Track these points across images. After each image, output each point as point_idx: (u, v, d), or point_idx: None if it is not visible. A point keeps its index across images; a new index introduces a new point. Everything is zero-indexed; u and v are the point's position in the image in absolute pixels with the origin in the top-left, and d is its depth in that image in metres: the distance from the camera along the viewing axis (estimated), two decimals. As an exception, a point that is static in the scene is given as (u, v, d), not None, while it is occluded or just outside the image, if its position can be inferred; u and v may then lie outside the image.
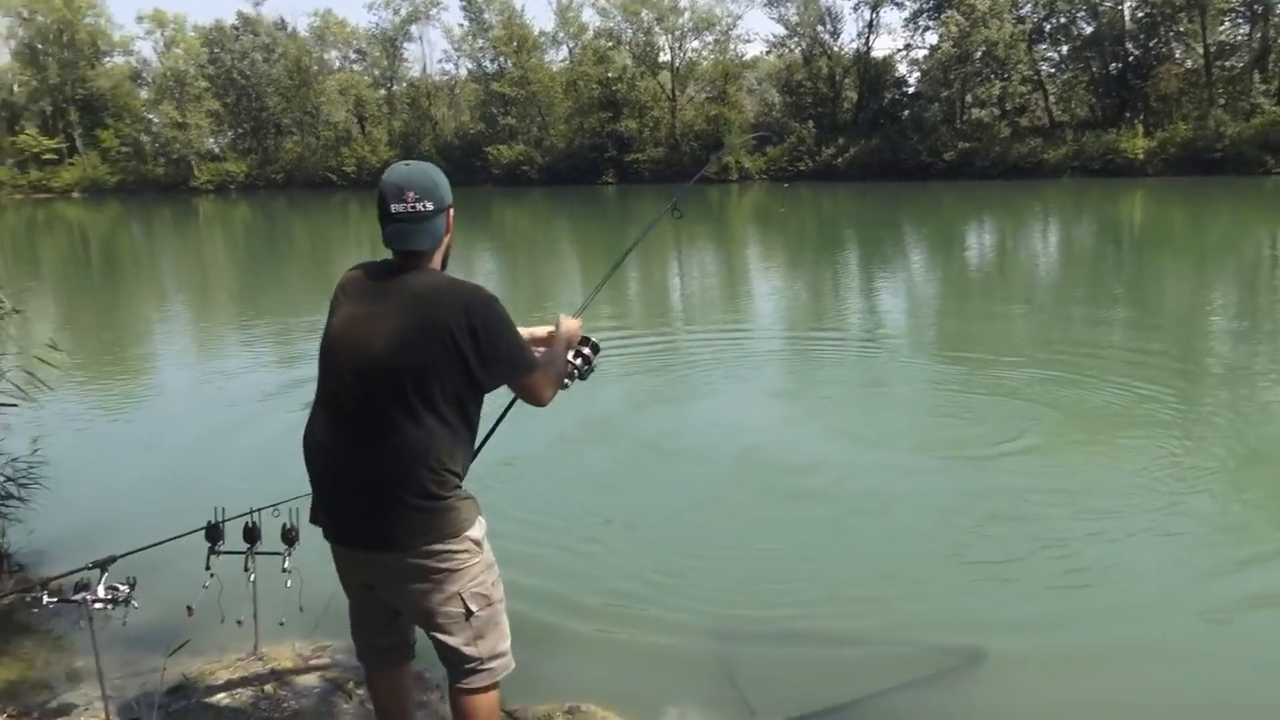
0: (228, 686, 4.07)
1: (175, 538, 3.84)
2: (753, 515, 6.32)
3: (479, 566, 2.82)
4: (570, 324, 3.19)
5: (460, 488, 2.78)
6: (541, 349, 3.07)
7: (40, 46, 71.00)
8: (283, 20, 72.93)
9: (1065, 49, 57.10)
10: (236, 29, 71.48)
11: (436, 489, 2.68)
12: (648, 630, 4.82)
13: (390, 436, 2.62)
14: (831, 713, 4.08)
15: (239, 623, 3.98)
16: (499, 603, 2.90)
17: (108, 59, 74.01)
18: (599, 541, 5.86)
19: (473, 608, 2.80)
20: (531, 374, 2.87)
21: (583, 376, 3.23)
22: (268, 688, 4.05)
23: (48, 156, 69.19)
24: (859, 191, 45.43)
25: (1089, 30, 55.13)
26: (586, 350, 3.24)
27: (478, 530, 2.82)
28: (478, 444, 2.93)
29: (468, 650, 2.82)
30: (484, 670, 2.85)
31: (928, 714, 4.19)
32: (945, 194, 42.07)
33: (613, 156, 59.26)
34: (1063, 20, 55.88)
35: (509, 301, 2.75)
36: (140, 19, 72.69)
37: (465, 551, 2.76)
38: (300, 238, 35.28)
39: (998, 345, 11.22)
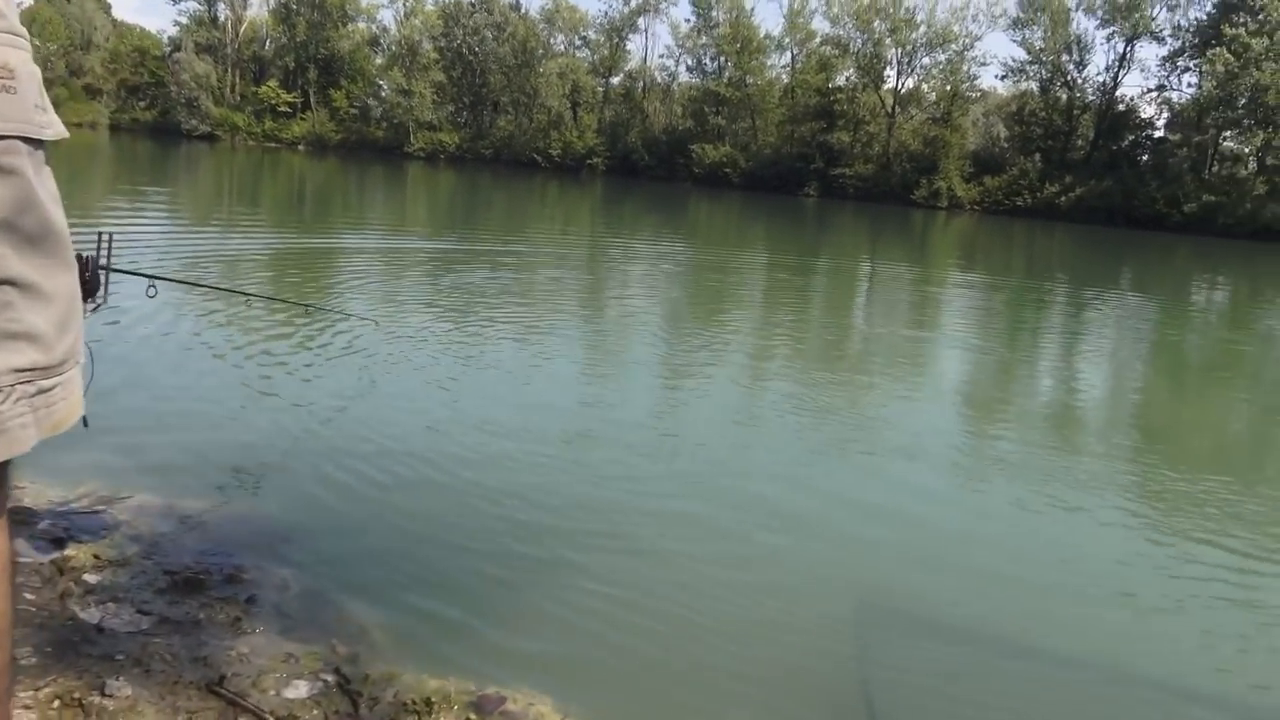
0: None
1: None
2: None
3: None
4: None
5: None
6: None
7: (294, 7, 75.19)
8: (517, 1, 74.68)
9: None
10: (473, 5, 73.62)
11: None
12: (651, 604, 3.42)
13: None
14: None
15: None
16: None
17: (351, 23, 77.59)
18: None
19: None
20: None
21: None
22: None
23: (282, 109, 73.25)
24: (1082, 235, 41.58)
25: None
26: None
27: None
28: None
29: None
30: None
31: None
32: (1179, 248, 37.80)
33: (819, 168, 57.08)
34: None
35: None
36: (387, -12, 76.03)
37: None
38: (499, 206, 35.11)
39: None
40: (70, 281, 1.05)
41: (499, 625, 3.18)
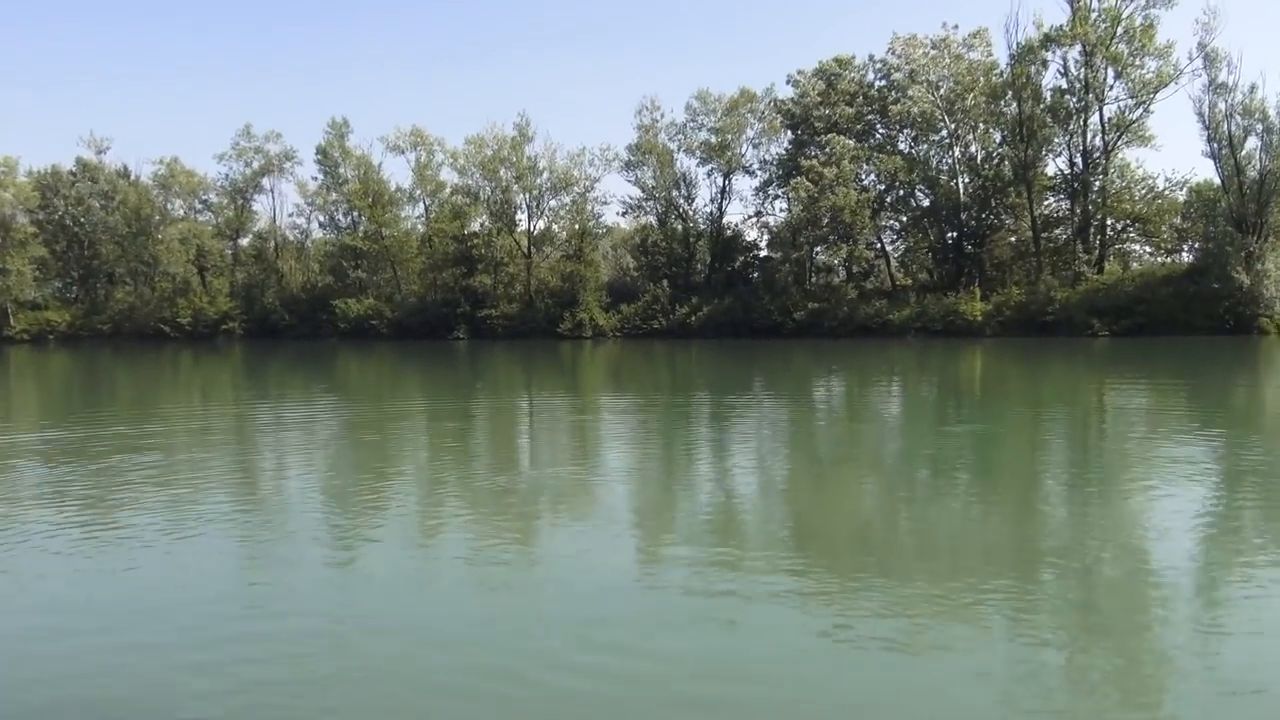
0: None
1: None
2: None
3: None
4: None
5: None
6: None
7: None
8: (125, 168, 70.57)
9: (905, 218, 60.02)
10: (74, 175, 68.56)
11: None
12: None
13: None
14: None
15: None
16: None
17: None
18: None
19: None
20: None
21: None
22: None
23: None
24: (714, 349, 45.25)
25: (927, 202, 58.22)
26: None
27: None
28: None
29: None
30: None
31: None
32: (796, 351, 42.20)
33: (465, 312, 58.17)
34: (902, 193, 58.87)
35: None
36: (-34, 162, 68.45)
37: None
38: (123, 387, 32.12)
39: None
40: None
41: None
